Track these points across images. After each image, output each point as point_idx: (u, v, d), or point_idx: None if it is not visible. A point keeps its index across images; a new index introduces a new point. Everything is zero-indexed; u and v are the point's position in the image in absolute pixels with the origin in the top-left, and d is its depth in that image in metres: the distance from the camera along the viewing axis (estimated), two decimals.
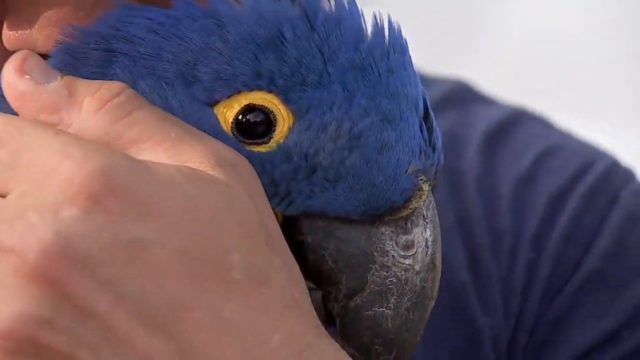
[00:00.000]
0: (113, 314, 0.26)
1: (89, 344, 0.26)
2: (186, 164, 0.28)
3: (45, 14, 0.31)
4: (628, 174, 0.54)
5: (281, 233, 0.28)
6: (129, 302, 0.26)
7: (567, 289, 0.48)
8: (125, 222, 0.26)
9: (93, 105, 0.29)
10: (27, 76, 0.29)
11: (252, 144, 0.30)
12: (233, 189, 0.27)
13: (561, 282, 0.49)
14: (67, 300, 0.26)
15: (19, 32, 0.31)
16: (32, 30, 0.31)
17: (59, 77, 0.30)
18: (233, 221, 0.27)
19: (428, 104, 0.31)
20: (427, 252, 0.29)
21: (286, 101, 0.29)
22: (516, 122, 0.54)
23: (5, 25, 0.32)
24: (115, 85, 0.29)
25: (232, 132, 0.30)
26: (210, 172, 0.27)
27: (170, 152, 0.28)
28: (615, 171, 0.53)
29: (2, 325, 0.25)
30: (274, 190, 0.30)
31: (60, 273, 0.26)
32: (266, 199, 0.29)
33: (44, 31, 0.31)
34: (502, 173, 0.51)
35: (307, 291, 0.28)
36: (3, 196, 0.27)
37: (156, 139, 0.28)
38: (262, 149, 0.30)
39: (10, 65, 0.29)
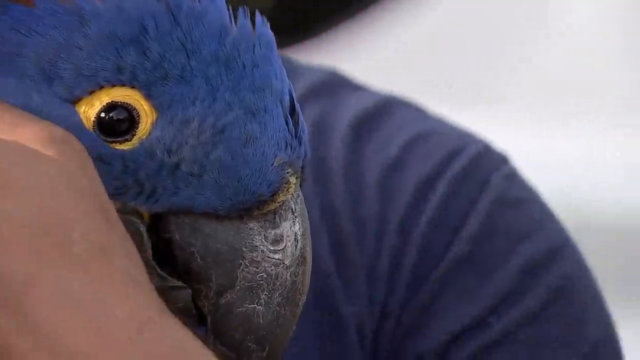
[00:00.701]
0: None
1: None
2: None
3: None
4: (500, 158, 0.53)
5: (116, 212, 0.28)
6: None
7: (434, 275, 0.48)
8: None
9: None
10: None
11: (115, 142, 0.29)
12: (68, 166, 0.28)
13: (428, 268, 0.48)
14: None
15: None
16: None
17: None
18: (72, 197, 0.27)
19: (294, 97, 0.31)
20: (296, 246, 0.29)
21: (149, 96, 0.29)
22: (386, 109, 0.53)
23: None
24: None
25: (94, 130, 0.29)
26: (44, 150, 0.28)
27: (4, 134, 0.28)
28: (486, 155, 0.52)
29: None
30: (139, 189, 0.29)
31: None
32: (98, 176, 0.28)
33: None
34: (369, 161, 0.50)
35: (145, 272, 0.28)
36: None
37: None
38: (125, 146, 0.29)
39: None
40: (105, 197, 0.28)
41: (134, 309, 0.27)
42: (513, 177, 0.52)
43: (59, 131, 0.28)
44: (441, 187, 0.50)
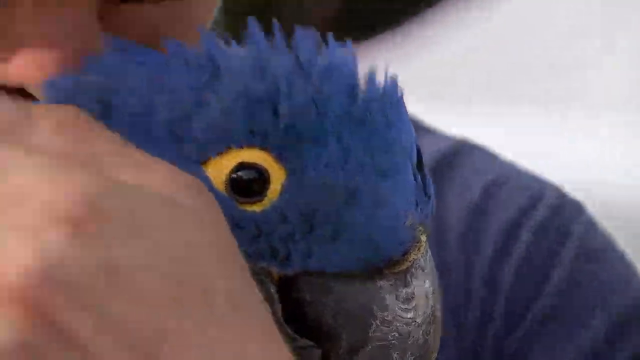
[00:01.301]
0: (96, 340, 0.25)
1: None
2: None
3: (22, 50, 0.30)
4: (577, 207, 0.53)
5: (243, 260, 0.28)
6: (113, 328, 0.25)
7: (521, 328, 0.48)
8: (109, 247, 0.25)
9: (49, 127, 0.27)
10: None
11: (246, 203, 0.29)
12: (203, 215, 0.27)
13: (515, 321, 0.48)
14: (48, 325, 0.25)
15: None
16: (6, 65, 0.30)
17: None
18: (211, 249, 0.27)
19: (421, 152, 0.31)
20: (427, 304, 0.29)
21: (279, 158, 0.28)
22: (460, 152, 0.53)
23: None
24: (70, 108, 0.28)
25: (226, 191, 0.29)
26: (177, 196, 0.27)
27: (134, 175, 0.27)
28: (564, 204, 0.52)
29: None
30: (272, 252, 0.29)
31: (42, 297, 0.24)
32: (227, 224, 0.28)
33: (20, 69, 0.30)
34: (451, 204, 0.50)
35: (279, 333, 0.28)
36: None
37: (118, 161, 0.27)
38: (256, 208, 0.29)
39: None
40: (240, 253, 0.28)
41: (272, 355, 0.27)
42: (592, 227, 0.52)
43: (190, 178, 0.27)
44: (525, 236, 0.49)
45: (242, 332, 0.26)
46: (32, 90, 0.30)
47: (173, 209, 0.26)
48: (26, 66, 0.30)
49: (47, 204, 0.25)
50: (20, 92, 0.31)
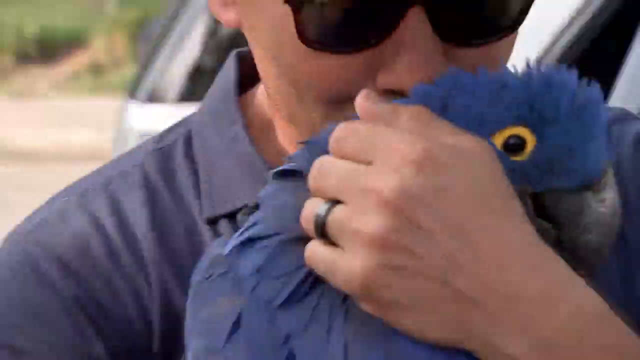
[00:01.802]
0: (433, 227, 0.42)
1: (424, 246, 0.42)
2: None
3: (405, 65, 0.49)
4: None
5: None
6: (443, 221, 0.42)
7: None
8: (437, 178, 0.43)
9: (406, 115, 0.46)
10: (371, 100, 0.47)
11: (513, 155, 0.54)
12: (490, 161, 0.47)
13: None
14: (406, 219, 0.42)
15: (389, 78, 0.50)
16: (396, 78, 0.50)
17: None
18: (491, 177, 0.47)
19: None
20: (614, 204, 0.54)
21: (533, 132, 0.53)
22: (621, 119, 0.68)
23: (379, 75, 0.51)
24: (420, 106, 0.47)
25: (503, 149, 0.54)
26: (476, 150, 0.47)
27: (453, 140, 0.46)
28: None
29: (370, 232, 0.41)
30: (528, 180, 0.54)
31: (402, 203, 0.41)
32: (501, 165, 0.49)
33: (401, 80, 0.50)
34: (621, 151, 0.64)
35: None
36: (369, 164, 0.43)
37: (446, 134, 0.46)
38: (519, 158, 0.54)
39: (365, 93, 0.47)
40: (507, 179, 0.50)
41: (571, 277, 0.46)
42: None
43: (483, 142, 0.49)
44: None
45: (508, 216, 0.46)
46: (405, 92, 0.49)
47: (474, 157, 0.45)
48: (405, 78, 0.50)
49: (404, 154, 0.42)
50: (393, 93, 0.50)
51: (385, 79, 0.51)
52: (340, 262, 0.42)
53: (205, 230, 0.55)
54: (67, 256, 0.53)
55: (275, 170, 0.50)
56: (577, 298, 0.44)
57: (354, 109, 0.47)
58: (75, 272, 0.53)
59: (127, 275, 0.53)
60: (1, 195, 7.85)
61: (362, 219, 0.41)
